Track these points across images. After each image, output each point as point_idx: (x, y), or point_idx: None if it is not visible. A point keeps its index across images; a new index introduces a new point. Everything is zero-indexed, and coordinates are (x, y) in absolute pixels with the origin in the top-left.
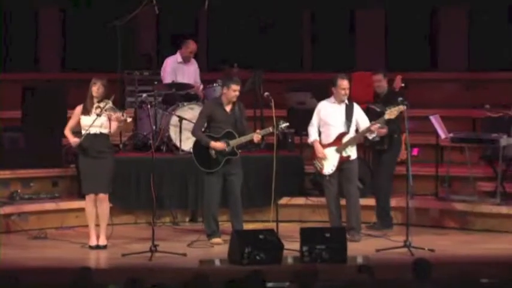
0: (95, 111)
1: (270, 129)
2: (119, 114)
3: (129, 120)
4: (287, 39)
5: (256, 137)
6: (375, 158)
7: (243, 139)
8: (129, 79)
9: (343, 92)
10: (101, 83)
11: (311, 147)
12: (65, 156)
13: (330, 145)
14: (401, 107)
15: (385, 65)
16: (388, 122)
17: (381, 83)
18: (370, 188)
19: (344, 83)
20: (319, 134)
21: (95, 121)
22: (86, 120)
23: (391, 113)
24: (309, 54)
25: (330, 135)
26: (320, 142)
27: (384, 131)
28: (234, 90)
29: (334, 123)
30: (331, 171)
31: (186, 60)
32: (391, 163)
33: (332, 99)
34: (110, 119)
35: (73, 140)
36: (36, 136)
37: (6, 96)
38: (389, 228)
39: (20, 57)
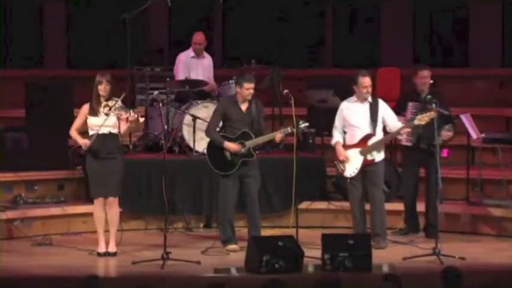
0: (103, 110)
1: (289, 129)
2: (131, 113)
3: (141, 120)
4: (307, 33)
5: (279, 136)
6: (421, 160)
7: (260, 140)
8: (140, 76)
9: (365, 90)
10: (106, 81)
11: (334, 148)
12: (71, 158)
13: (353, 146)
14: (433, 113)
15: (412, 60)
16: (417, 127)
17: (426, 79)
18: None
19: (366, 81)
20: (344, 134)
21: (105, 121)
22: (94, 120)
23: (421, 119)
24: (331, 49)
25: (355, 137)
26: (344, 143)
27: (450, 134)
28: (247, 89)
29: (358, 124)
30: (353, 174)
31: (198, 55)
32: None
33: (354, 98)
34: (119, 118)
35: (83, 142)
36: (40, 136)
37: (8, 94)
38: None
39: (23, 53)
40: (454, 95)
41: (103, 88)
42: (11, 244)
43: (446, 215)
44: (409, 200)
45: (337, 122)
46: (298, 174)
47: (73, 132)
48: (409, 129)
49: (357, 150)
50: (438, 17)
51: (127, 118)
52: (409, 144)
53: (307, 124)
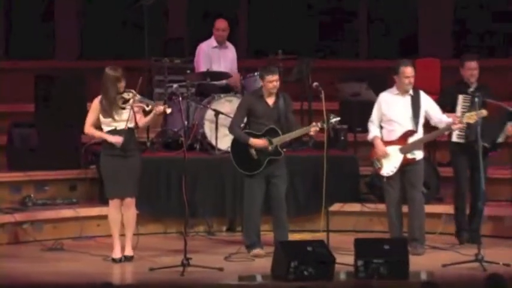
0: (119, 104)
1: (319, 124)
2: (156, 106)
3: (168, 111)
4: (339, 22)
5: (314, 129)
6: (471, 159)
7: (287, 136)
8: (158, 67)
9: (407, 80)
10: (123, 75)
11: (369, 145)
12: (84, 156)
13: (393, 143)
14: (484, 111)
15: (452, 51)
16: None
17: (474, 71)
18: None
19: (408, 71)
20: (380, 129)
21: (122, 115)
22: (107, 120)
23: (470, 117)
24: (365, 39)
25: (394, 133)
26: (381, 139)
27: None
28: (270, 81)
29: (398, 119)
30: (390, 173)
31: (221, 44)
32: None
33: (394, 89)
34: (134, 111)
35: (115, 140)
36: (50, 133)
37: (16, 87)
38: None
39: (32, 43)
40: (498, 87)
41: (124, 86)
42: (19, 249)
43: (490, 218)
44: (463, 204)
45: (374, 115)
46: (329, 174)
47: (90, 130)
48: (461, 125)
49: (396, 147)
50: (478, 4)
51: (144, 110)
52: (461, 141)
53: (338, 119)
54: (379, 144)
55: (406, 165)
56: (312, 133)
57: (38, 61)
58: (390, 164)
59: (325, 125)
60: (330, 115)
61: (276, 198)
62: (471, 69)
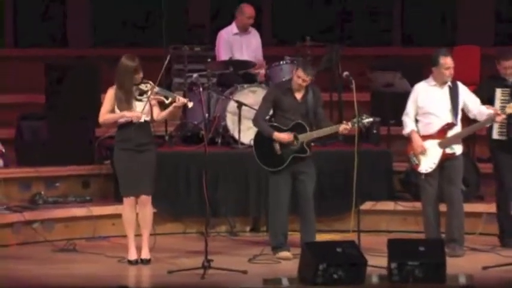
0: (135, 95)
1: (350, 124)
2: (178, 98)
3: (190, 105)
4: (372, 7)
5: (344, 128)
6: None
7: (315, 134)
8: (177, 56)
9: (447, 72)
10: (140, 65)
11: (403, 138)
12: (98, 150)
13: (431, 137)
14: None
15: (494, 37)
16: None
17: (508, 70)
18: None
19: (448, 61)
20: (416, 122)
21: (138, 107)
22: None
23: None
24: (399, 24)
25: (431, 126)
26: (418, 133)
27: None
28: (300, 77)
29: (436, 111)
30: (429, 170)
31: (244, 31)
32: None
33: (431, 80)
34: (151, 104)
35: (134, 115)
36: (62, 125)
37: (26, 77)
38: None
39: (43, 30)
40: None
41: (140, 77)
42: (29, 250)
43: None
44: (506, 203)
45: (410, 108)
46: (360, 170)
47: (105, 116)
48: (504, 116)
49: (434, 142)
50: None
51: (163, 103)
52: (502, 138)
53: (371, 120)
54: (416, 138)
55: (445, 161)
56: (340, 133)
57: (48, 49)
58: (429, 159)
59: (355, 124)
60: (363, 115)
61: (303, 196)
62: (506, 68)
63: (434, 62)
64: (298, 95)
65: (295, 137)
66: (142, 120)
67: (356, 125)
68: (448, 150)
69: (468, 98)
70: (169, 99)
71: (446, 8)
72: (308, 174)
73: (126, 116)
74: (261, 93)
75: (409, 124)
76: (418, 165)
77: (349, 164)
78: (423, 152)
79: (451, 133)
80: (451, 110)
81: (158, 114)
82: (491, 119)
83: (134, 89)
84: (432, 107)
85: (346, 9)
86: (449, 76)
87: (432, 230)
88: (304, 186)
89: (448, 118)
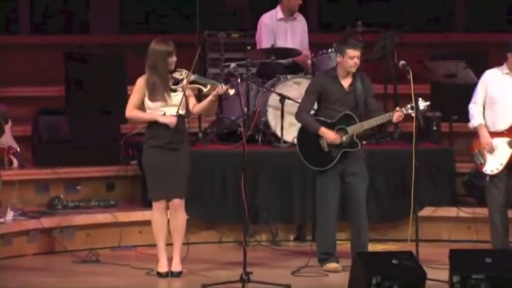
0: (169, 84)
1: (404, 110)
2: (221, 85)
3: (231, 92)
4: None
5: (398, 114)
6: None
7: (366, 124)
8: (212, 43)
9: None
10: (175, 49)
11: (468, 136)
12: (124, 150)
13: (499, 134)
14: None
15: None
16: None
17: None
18: None
19: None
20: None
21: (173, 99)
22: (154, 105)
23: None
24: (462, 8)
25: (499, 121)
26: (487, 128)
27: None
28: (351, 58)
29: (506, 103)
30: (495, 171)
31: (289, 16)
32: None
33: (504, 68)
34: (185, 95)
35: (169, 120)
36: (84, 122)
37: (43, 67)
38: None
39: (62, 15)
40: None
41: (174, 61)
42: (48, 260)
43: None
44: None
45: (478, 96)
46: (418, 172)
47: (134, 112)
48: None
49: (504, 140)
50: None
51: (200, 91)
52: None
53: (428, 103)
54: (484, 133)
55: None
56: (395, 120)
57: (68, 36)
58: (495, 159)
59: (412, 111)
60: (418, 99)
61: (354, 201)
62: None
63: (511, 47)
64: (346, 83)
65: (345, 131)
66: (177, 113)
67: (414, 110)
68: None
69: None
70: (208, 87)
71: None
72: (359, 175)
73: (159, 120)
74: (305, 85)
75: (476, 116)
76: (483, 164)
77: (407, 164)
78: (491, 150)
79: None
80: None
81: (194, 105)
82: None
83: (169, 77)
84: (502, 97)
85: None
86: None
87: (500, 240)
88: (355, 189)
89: None
